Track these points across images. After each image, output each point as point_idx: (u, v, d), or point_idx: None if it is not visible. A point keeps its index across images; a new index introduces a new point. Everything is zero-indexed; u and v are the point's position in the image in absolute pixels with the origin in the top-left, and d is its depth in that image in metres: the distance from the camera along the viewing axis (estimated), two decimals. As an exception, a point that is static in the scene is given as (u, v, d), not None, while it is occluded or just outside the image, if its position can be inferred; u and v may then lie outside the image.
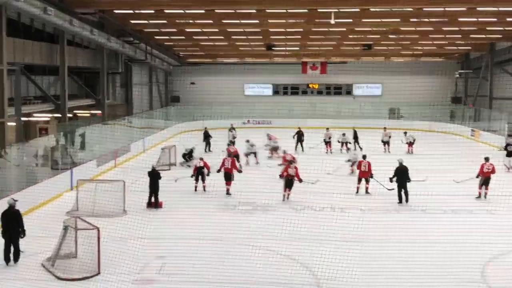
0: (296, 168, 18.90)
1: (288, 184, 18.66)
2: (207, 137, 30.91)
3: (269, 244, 13.26)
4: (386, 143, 30.17)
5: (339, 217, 15.66)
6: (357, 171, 19.83)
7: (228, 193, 19.40)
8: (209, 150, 30.23)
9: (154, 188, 17.46)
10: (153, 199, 17.44)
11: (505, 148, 25.18)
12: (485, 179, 19.08)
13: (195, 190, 19.73)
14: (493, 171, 19.14)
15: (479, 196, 19.05)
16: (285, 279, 11.03)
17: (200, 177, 19.70)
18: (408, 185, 18.41)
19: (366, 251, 12.78)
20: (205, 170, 19.73)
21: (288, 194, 18.67)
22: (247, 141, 26.86)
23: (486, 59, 41.67)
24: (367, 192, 19.43)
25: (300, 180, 18.74)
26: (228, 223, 14.99)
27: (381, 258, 12.18)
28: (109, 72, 34.69)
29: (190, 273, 11.40)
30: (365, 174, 19.44)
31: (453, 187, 19.61)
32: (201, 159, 20.17)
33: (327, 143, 30.05)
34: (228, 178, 19.59)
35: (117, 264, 11.73)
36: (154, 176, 17.67)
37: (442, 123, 41.00)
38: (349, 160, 23.27)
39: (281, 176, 19.50)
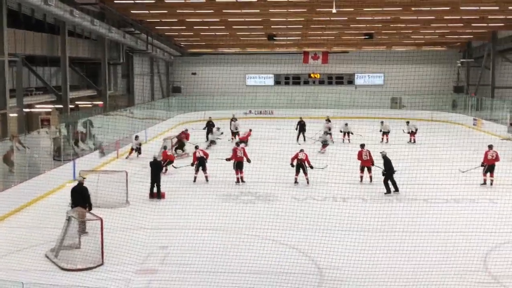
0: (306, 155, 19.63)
1: (299, 169, 19.37)
2: (210, 126, 30.88)
3: (271, 234, 13.30)
4: (385, 133, 30.07)
5: (341, 207, 15.75)
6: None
7: (243, 180, 19.66)
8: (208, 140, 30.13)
9: (156, 178, 17.50)
10: (155, 190, 17.48)
11: None
12: (489, 166, 19.13)
13: (194, 180, 19.78)
14: (497, 159, 19.20)
15: (484, 183, 19.10)
16: (287, 268, 11.07)
17: (200, 168, 19.78)
18: (412, 174, 18.44)
19: (368, 241, 12.83)
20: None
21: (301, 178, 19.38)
22: (218, 128, 27.94)
23: (488, 47, 41.50)
24: (371, 180, 19.47)
25: (311, 166, 19.45)
26: (230, 213, 15.04)
27: (383, 247, 12.22)
28: (110, 63, 34.64)
29: (193, 263, 11.46)
30: (367, 163, 19.52)
31: (455, 176, 19.61)
32: (197, 147, 20.31)
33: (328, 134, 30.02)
34: (240, 167, 19.74)
35: (121, 254, 11.79)
36: (156, 166, 17.70)
37: (444, 112, 40.99)
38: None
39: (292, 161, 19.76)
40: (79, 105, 33.06)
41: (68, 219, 12.33)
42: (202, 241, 12.78)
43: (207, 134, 30.42)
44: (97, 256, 11.62)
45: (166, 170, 20.70)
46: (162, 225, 14.24)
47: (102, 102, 32.90)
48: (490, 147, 19.58)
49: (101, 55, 32.47)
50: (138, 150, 25.05)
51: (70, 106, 28.45)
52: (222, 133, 29.76)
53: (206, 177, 19.83)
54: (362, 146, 20.04)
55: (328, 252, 11.41)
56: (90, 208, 13.55)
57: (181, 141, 26.02)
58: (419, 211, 15.44)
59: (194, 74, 48.58)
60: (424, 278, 10.41)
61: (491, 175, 19.16)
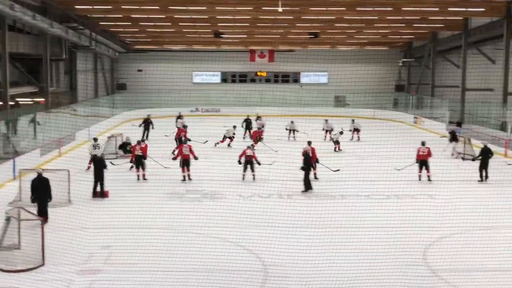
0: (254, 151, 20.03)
1: (247, 165, 19.61)
2: (147, 124, 30.54)
3: (216, 232, 13.35)
4: (328, 131, 30.47)
5: (286, 204, 15.95)
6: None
7: (189, 178, 19.56)
8: (147, 137, 29.65)
9: (99, 177, 17.20)
10: (98, 188, 17.19)
11: (451, 135, 26.03)
12: (421, 162, 19.82)
13: (138, 178, 19.61)
14: (429, 154, 19.91)
15: (419, 179, 19.76)
16: (232, 266, 11.12)
17: (140, 166, 19.61)
18: (355, 171, 18.89)
19: (312, 237, 13.02)
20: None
21: (248, 175, 19.66)
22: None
23: (428, 48, 42.82)
24: (315, 177, 19.76)
25: (259, 163, 19.65)
26: (175, 212, 14.93)
27: (327, 243, 12.43)
28: (52, 59, 33.69)
29: (137, 262, 11.35)
30: (311, 160, 19.79)
31: (396, 173, 20.18)
32: (139, 142, 20.11)
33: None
34: (187, 164, 19.65)
35: (62, 254, 11.56)
36: (99, 164, 17.41)
37: (386, 110, 42.04)
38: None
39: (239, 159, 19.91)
40: (20, 102, 32.07)
41: (7, 219, 11.97)
42: (147, 240, 12.67)
43: (144, 131, 30.02)
44: (38, 256, 11.34)
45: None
46: (105, 225, 14.01)
47: (43, 99, 32.02)
48: (423, 143, 20.33)
49: (42, 50, 31.56)
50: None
51: (10, 103, 27.57)
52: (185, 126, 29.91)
53: (144, 175, 19.64)
54: (309, 143, 20.32)
55: (273, 249, 11.54)
56: (50, 199, 14.31)
57: (126, 142, 25.45)
58: (362, 207, 15.82)
59: (140, 71, 47.97)
60: (367, 272, 10.67)
61: (427, 171, 19.84)
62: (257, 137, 27.60)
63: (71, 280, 10.54)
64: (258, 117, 32.18)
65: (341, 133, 27.53)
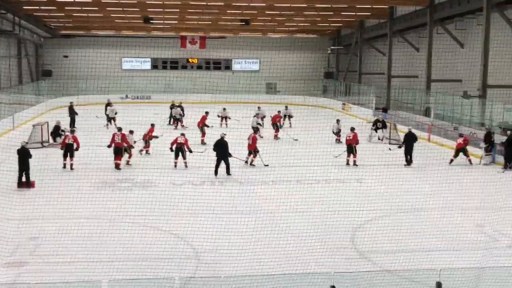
0: (185, 138, 19.79)
1: (178, 152, 19.57)
2: (72, 113, 29.80)
3: (148, 220, 13.22)
4: (261, 118, 30.66)
5: (217, 190, 16.00)
6: None
7: (118, 168, 19.21)
8: (74, 126, 29.01)
9: (24, 166, 16.61)
10: (24, 179, 16.61)
11: (375, 123, 26.70)
12: (348, 147, 20.44)
13: (64, 166, 19.14)
14: (354, 139, 20.55)
15: (348, 163, 20.33)
16: (165, 254, 11.07)
17: (68, 154, 19.15)
18: (286, 156, 19.22)
19: (242, 222, 13.11)
20: (74, 146, 19.26)
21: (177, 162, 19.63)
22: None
23: (356, 36, 43.85)
24: (251, 164, 20.04)
25: (190, 151, 19.66)
26: (105, 201, 14.68)
27: (258, 228, 12.58)
28: (-29, 44, 32.16)
29: (66, 253, 11.07)
30: (251, 147, 19.98)
31: (326, 158, 20.61)
32: (72, 131, 19.63)
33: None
34: (119, 152, 19.34)
35: (-14, 247, 11.12)
36: (24, 154, 16.80)
37: (315, 97, 42.83)
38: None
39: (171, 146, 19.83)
40: None
41: None
42: (75, 231, 12.36)
43: (71, 121, 29.31)
44: (-41, 251, 10.88)
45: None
46: (32, 215, 13.57)
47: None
48: (352, 129, 20.98)
49: (-40, 35, 30.03)
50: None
51: None
52: (116, 113, 29.58)
53: (72, 164, 19.19)
54: (256, 130, 20.54)
55: (205, 236, 11.59)
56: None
57: (57, 126, 24.72)
58: (292, 192, 16.07)
59: (66, 57, 46.40)
60: (296, 256, 10.90)
61: (354, 156, 20.46)
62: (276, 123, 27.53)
63: (-4, 274, 10.18)
64: (224, 109, 31.48)
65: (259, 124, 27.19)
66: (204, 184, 17.32)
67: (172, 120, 30.80)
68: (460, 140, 21.03)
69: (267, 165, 19.47)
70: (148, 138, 22.00)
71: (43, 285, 8.53)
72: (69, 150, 19.20)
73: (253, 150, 19.93)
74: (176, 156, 19.59)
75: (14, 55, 42.27)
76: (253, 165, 19.99)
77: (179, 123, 30.01)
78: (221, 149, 18.58)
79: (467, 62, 27.53)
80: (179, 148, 19.57)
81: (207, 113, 26.52)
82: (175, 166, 19.51)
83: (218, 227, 12.23)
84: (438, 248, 11.89)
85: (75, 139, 19.45)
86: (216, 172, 18.38)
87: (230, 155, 18.67)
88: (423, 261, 10.81)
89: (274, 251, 11.20)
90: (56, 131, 24.53)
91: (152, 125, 22.43)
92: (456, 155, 20.82)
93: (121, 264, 10.52)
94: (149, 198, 14.97)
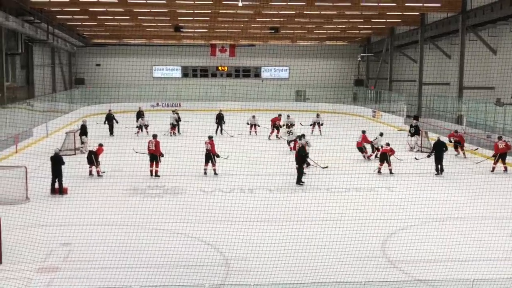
0: (212, 143, 19.86)
1: (207, 159, 19.70)
2: (110, 119, 30.31)
3: (178, 227, 13.31)
4: (289, 126, 30.66)
5: (248, 198, 16.01)
6: None
7: (157, 175, 19.42)
8: (112, 133, 29.67)
9: (57, 173, 16.91)
10: (57, 185, 16.90)
11: (411, 130, 26.39)
12: (382, 155, 20.23)
13: (90, 174, 19.39)
14: (391, 150, 20.31)
15: (379, 172, 20.13)
16: (195, 261, 11.14)
17: (92, 163, 19.39)
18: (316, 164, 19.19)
19: (273, 231, 13.13)
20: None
21: (207, 169, 19.80)
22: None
23: (386, 43, 43.52)
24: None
25: (217, 155, 19.81)
26: (137, 208, 14.84)
27: (288, 236, 12.57)
28: (8, 53, 32.85)
29: (97, 259, 11.23)
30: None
31: (355, 166, 20.51)
32: (101, 145, 19.85)
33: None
34: (154, 159, 19.50)
35: (20, 253, 11.34)
36: (57, 161, 17.11)
37: (346, 104, 42.60)
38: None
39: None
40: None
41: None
42: (107, 237, 12.54)
43: (110, 128, 29.88)
44: (-5, 255, 11.10)
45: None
46: (65, 222, 13.82)
47: (-1, 94, 31.19)
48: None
49: (-3, 44, 30.73)
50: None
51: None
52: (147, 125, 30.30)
53: (98, 171, 19.44)
54: (300, 137, 20.58)
55: (235, 243, 11.61)
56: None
57: (83, 125, 25.29)
58: (322, 200, 16.01)
59: (98, 65, 47.25)
60: (327, 265, 10.83)
61: (389, 165, 20.21)
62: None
63: (30, 279, 10.36)
64: (253, 117, 31.61)
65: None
66: (233, 192, 17.36)
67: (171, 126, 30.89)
68: (503, 145, 20.45)
69: (327, 167, 19.57)
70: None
71: (75, 290, 8.64)
72: (90, 158, 19.39)
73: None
74: (206, 163, 19.70)
75: (48, 63, 43.14)
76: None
77: (174, 130, 30.36)
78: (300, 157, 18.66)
79: (500, 69, 27.03)
80: (208, 155, 19.70)
81: (280, 115, 29.48)
82: (205, 172, 19.60)
83: (248, 235, 12.24)
84: (471, 258, 11.67)
85: (99, 150, 19.61)
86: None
87: (308, 164, 18.60)
88: (456, 271, 10.62)
89: (304, 260, 11.15)
90: (84, 130, 25.02)
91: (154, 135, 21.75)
92: (497, 160, 20.40)
93: (151, 270, 10.61)
94: (179, 205, 15.07)
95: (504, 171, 20.35)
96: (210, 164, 19.71)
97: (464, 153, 23.73)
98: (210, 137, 20.29)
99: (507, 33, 28.79)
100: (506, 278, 9.55)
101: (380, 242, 12.67)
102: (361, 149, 22.86)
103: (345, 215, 14.59)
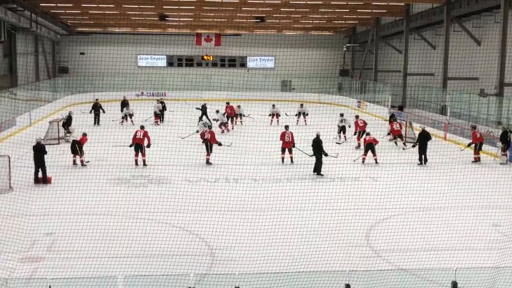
0: (211, 132, 20.10)
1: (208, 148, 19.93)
2: (97, 109, 30.09)
3: (163, 217, 13.29)
4: (275, 115, 30.68)
5: (232, 188, 16.01)
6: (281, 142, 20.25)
7: (144, 163, 19.40)
8: (98, 123, 29.50)
9: (39, 162, 16.76)
10: (40, 175, 16.77)
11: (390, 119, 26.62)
12: (367, 145, 20.32)
13: (74, 163, 19.28)
14: (375, 141, 20.41)
15: (363, 162, 20.20)
16: (180, 250, 11.12)
17: (75, 152, 19.27)
18: (301, 154, 19.20)
19: (257, 220, 13.12)
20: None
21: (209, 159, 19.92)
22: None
23: (372, 33, 43.60)
24: (292, 161, 20.08)
25: (220, 144, 20.07)
26: (121, 197, 14.77)
27: (272, 226, 12.59)
28: (-11, 41, 32.42)
29: (81, 249, 11.19)
30: (288, 144, 19.95)
31: (342, 156, 20.53)
32: (85, 134, 19.71)
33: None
34: (140, 148, 19.44)
35: (3, 242, 11.26)
36: (39, 150, 16.95)
37: (331, 95, 42.67)
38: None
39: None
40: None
41: None
42: (91, 227, 12.46)
43: (96, 117, 29.69)
44: (-23, 245, 11.01)
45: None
46: (48, 211, 13.71)
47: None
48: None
49: (-22, 32, 30.31)
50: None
51: None
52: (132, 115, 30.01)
53: (81, 161, 19.30)
54: (286, 127, 20.50)
55: (219, 233, 11.62)
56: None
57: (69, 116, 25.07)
58: (307, 190, 16.05)
59: (82, 54, 46.80)
60: (311, 254, 10.89)
61: (374, 155, 20.29)
62: None
63: (13, 268, 10.28)
64: (239, 106, 31.45)
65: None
66: (218, 182, 17.34)
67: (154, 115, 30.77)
68: (478, 135, 21.07)
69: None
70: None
71: (59, 280, 8.58)
72: (74, 148, 19.25)
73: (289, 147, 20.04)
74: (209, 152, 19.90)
75: (31, 52, 42.63)
76: (293, 162, 20.07)
77: (158, 119, 30.27)
78: (316, 147, 18.67)
79: (484, 60, 27.24)
80: (207, 144, 19.91)
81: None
82: (207, 162, 19.74)
83: (232, 224, 12.25)
84: (453, 247, 11.81)
85: (82, 140, 19.50)
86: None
87: (326, 154, 18.65)
88: (439, 260, 10.74)
89: (289, 249, 11.20)
90: (69, 121, 24.85)
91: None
92: (478, 150, 20.89)
93: (136, 260, 10.60)
94: (164, 195, 15.02)
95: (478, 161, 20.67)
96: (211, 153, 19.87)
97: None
98: (210, 127, 20.42)
99: (491, 24, 28.97)
100: (488, 267, 9.66)
101: (364, 231, 12.75)
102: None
103: (329, 204, 14.62)
